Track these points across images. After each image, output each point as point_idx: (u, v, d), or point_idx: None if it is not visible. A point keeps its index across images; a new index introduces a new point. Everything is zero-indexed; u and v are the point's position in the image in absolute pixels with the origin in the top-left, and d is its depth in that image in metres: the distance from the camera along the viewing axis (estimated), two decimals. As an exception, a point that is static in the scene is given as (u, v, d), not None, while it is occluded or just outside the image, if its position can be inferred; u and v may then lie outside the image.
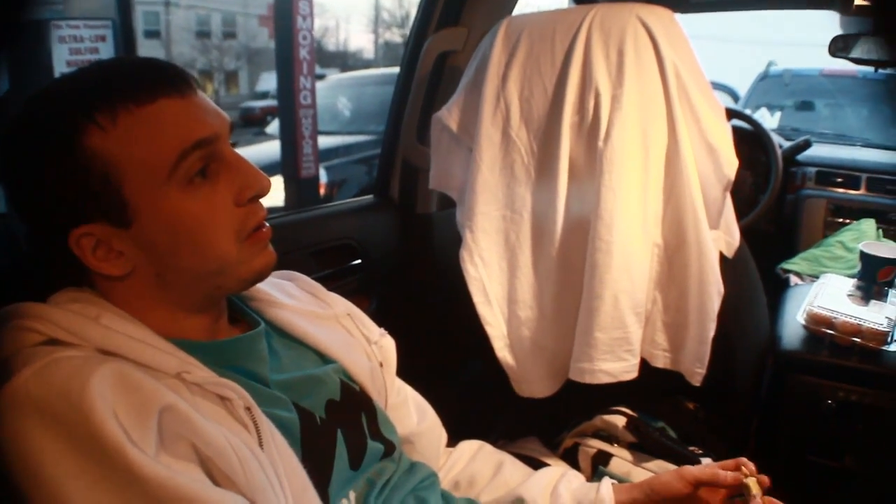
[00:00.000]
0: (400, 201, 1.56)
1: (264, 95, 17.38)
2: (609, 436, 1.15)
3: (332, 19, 23.41)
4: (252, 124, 12.50)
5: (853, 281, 1.45)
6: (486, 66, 1.09)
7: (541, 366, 1.13)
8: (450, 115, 1.16)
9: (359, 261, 1.42)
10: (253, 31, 21.31)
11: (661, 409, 1.18)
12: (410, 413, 0.90)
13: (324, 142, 4.94)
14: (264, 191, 0.65)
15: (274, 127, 6.33)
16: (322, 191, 4.88)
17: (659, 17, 1.02)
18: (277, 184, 4.61)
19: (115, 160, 0.58)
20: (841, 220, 2.11)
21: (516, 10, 1.56)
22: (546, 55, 1.04)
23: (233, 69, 21.78)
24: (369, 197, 1.61)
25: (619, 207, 0.96)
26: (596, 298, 0.99)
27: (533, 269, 1.08)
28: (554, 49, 1.04)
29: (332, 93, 6.00)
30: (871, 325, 1.26)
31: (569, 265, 1.04)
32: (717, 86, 5.07)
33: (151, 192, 0.60)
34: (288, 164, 4.72)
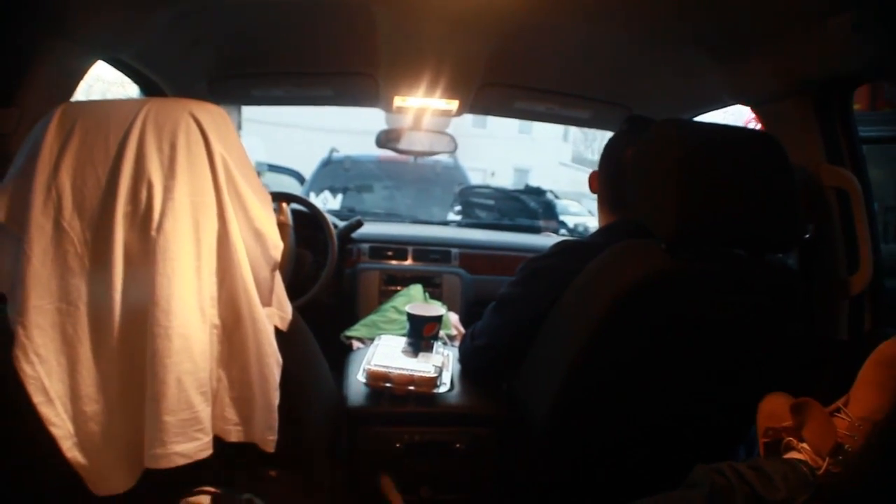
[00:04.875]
0: None
1: None
2: (197, 517, 1.15)
3: None
4: None
5: (405, 339, 1.70)
6: (37, 152, 1.04)
7: (115, 459, 1.08)
8: None
9: None
10: None
11: (244, 481, 1.22)
12: None
13: None
14: None
15: None
16: None
17: (210, 112, 1.10)
18: None
19: None
20: (394, 287, 2.43)
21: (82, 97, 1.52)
22: (100, 145, 1.04)
23: None
24: None
25: (175, 293, 1.00)
26: (160, 383, 1.01)
27: (94, 361, 1.05)
28: (108, 139, 1.04)
29: None
30: (422, 374, 1.50)
31: (131, 354, 1.04)
32: (286, 171, 5.25)
33: None
34: None
